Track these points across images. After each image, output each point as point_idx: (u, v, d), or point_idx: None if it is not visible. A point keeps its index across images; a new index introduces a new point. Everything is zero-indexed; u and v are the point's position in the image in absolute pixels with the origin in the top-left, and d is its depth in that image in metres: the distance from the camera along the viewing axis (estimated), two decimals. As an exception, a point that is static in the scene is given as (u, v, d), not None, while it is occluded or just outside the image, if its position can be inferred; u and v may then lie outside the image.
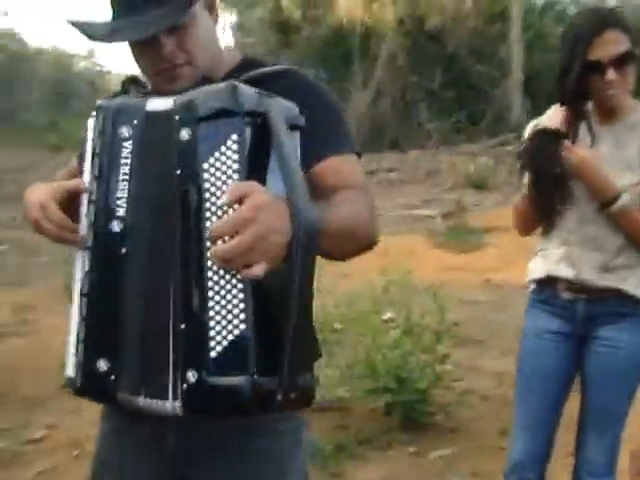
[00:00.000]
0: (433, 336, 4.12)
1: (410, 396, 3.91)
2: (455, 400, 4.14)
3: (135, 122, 1.48)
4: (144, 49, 1.57)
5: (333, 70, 20.96)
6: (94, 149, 1.50)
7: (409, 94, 20.15)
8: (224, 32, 21.44)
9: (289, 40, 21.01)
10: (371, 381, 4.02)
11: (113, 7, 1.59)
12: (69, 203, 1.52)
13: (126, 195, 1.48)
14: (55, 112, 24.45)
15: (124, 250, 1.47)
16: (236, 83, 1.39)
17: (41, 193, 1.54)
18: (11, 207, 10.97)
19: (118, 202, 1.48)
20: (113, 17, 1.58)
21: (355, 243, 1.52)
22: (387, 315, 4.84)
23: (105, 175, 1.49)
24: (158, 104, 1.48)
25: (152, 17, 1.52)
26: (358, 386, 4.13)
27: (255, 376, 1.31)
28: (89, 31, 1.60)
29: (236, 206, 1.27)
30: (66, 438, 3.87)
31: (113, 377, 1.47)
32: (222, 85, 1.40)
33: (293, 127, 1.43)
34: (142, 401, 1.44)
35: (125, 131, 1.49)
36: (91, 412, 2.76)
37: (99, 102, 1.53)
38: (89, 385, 1.50)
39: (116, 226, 1.48)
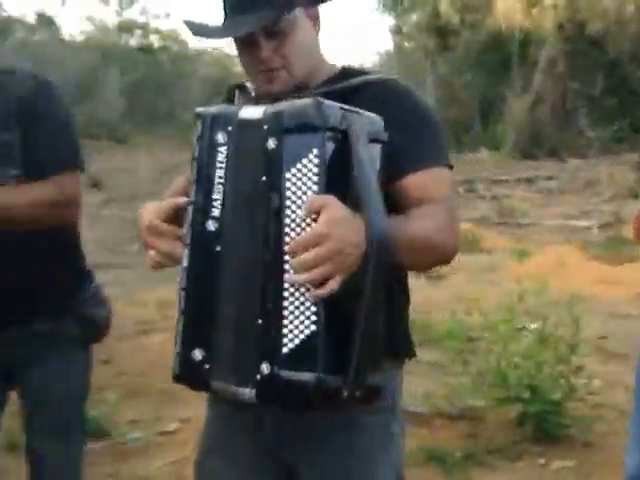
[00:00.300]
0: (568, 347, 4.00)
1: (543, 407, 3.81)
2: (590, 414, 4.01)
3: (229, 129, 1.56)
4: (246, 50, 1.64)
5: (491, 75, 20.80)
6: (193, 154, 1.59)
7: (569, 101, 19.71)
8: (382, 35, 21.65)
9: (447, 44, 20.96)
10: (502, 390, 3.94)
11: (225, 9, 1.67)
12: (176, 219, 1.60)
13: (221, 197, 1.57)
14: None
15: (218, 248, 1.56)
16: (321, 99, 1.46)
17: (148, 214, 1.62)
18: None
19: (214, 203, 1.57)
20: (224, 19, 1.66)
21: (426, 257, 1.58)
22: (523, 324, 4.74)
23: (203, 178, 1.58)
24: (250, 112, 1.55)
25: (250, 19, 1.60)
26: (489, 395, 4.06)
27: (322, 374, 1.41)
28: (195, 29, 1.69)
29: (314, 216, 1.36)
30: (198, 431, 3.98)
31: (207, 366, 1.55)
32: (309, 100, 1.47)
33: (374, 141, 1.50)
34: (230, 389, 1.52)
35: (220, 137, 1.57)
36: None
37: (198, 110, 1.61)
38: (186, 373, 1.59)
39: (211, 225, 1.57)
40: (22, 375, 2.26)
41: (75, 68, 17.28)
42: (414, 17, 21.81)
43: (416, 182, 1.59)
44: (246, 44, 1.63)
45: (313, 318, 1.41)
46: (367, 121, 1.51)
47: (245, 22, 1.61)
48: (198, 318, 1.59)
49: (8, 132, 2.09)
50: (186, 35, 31.70)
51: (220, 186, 1.57)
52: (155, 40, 26.27)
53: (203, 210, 1.58)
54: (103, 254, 7.99)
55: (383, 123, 1.53)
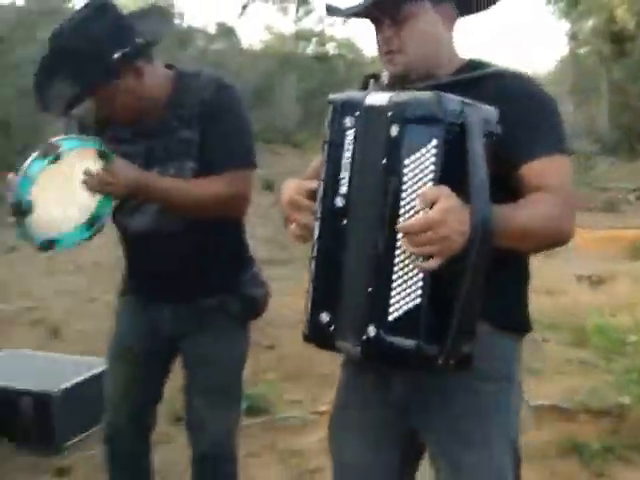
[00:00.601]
0: None
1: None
2: None
3: (357, 113, 1.75)
4: (376, 32, 1.88)
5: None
6: (325, 137, 1.80)
7: None
8: (557, 40, 21.20)
9: (623, 50, 20.28)
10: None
11: None
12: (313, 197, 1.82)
13: (348, 176, 1.76)
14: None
15: (345, 222, 1.76)
16: (442, 93, 1.61)
17: (289, 190, 1.87)
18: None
19: (342, 182, 1.77)
20: None
21: (537, 241, 1.74)
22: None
23: (332, 158, 1.78)
24: (375, 98, 1.74)
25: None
26: (635, 392, 4.10)
27: (421, 342, 1.61)
28: (329, 8, 1.93)
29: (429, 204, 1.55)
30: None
31: (332, 327, 1.77)
32: (431, 93, 1.62)
33: (488, 134, 1.64)
34: (348, 347, 1.74)
35: (348, 121, 1.76)
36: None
37: (330, 96, 1.81)
38: (314, 334, 1.82)
39: (339, 202, 1.77)
40: (187, 346, 2.55)
41: (253, 76, 17.88)
42: (589, 23, 21.24)
43: (537, 169, 1.74)
44: (376, 26, 1.87)
45: (418, 292, 1.60)
46: (483, 115, 1.64)
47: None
48: (325, 285, 1.79)
49: (190, 130, 2.36)
50: (361, 42, 32.03)
51: (347, 166, 1.76)
52: (331, 48, 26.74)
53: (332, 187, 1.77)
54: (275, 251, 8.36)
55: (498, 116, 1.66)
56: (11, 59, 12.44)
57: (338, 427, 2.06)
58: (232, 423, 2.64)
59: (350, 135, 1.76)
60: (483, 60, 1.94)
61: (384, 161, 1.64)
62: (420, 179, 1.59)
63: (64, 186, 2.19)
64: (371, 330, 1.65)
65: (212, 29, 21.41)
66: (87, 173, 2.17)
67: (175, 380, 2.69)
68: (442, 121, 1.59)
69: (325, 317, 1.79)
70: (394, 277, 1.63)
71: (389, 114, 1.65)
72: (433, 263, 1.56)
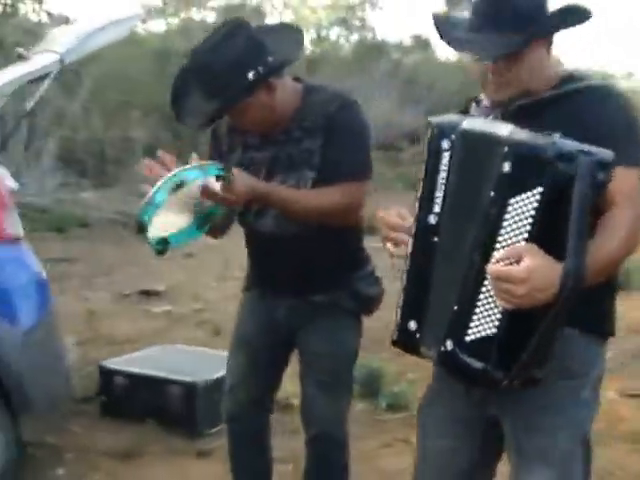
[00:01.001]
0: None
1: None
2: None
3: (453, 137, 1.86)
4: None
5: None
6: (423, 157, 1.92)
7: None
8: None
9: None
10: None
11: (473, 17, 1.93)
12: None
13: (442, 195, 1.87)
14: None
15: (436, 239, 1.88)
16: (560, 140, 1.67)
17: (387, 215, 2.00)
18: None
19: (436, 200, 1.87)
20: (471, 25, 1.94)
21: (617, 268, 1.88)
22: None
23: (429, 178, 1.89)
24: (473, 123, 1.85)
25: (495, 39, 1.87)
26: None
27: (489, 367, 1.75)
28: (444, 31, 1.98)
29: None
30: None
31: (418, 335, 1.92)
32: (550, 139, 1.68)
33: (599, 184, 1.66)
34: (431, 355, 1.88)
35: (445, 144, 1.87)
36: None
37: (429, 118, 1.93)
38: (402, 339, 1.97)
39: (432, 219, 1.88)
40: (301, 339, 2.74)
41: (445, 88, 17.87)
42: None
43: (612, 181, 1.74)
44: None
45: (496, 323, 1.72)
46: (597, 159, 1.66)
47: (491, 42, 1.88)
48: (414, 296, 1.92)
49: (312, 141, 2.52)
50: (561, 55, 31.26)
51: (442, 187, 1.86)
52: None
53: (427, 206, 1.89)
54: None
55: (612, 159, 1.68)
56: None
57: (424, 416, 2.21)
58: (342, 410, 2.81)
59: (446, 157, 1.86)
60: (577, 74, 2.00)
61: (492, 194, 1.72)
62: (520, 219, 1.67)
63: (185, 201, 2.37)
64: (449, 344, 1.80)
65: (408, 42, 21.50)
66: (206, 191, 2.31)
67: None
68: (554, 171, 1.64)
69: (413, 325, 1.92)
70: (478, 303, 1.75)
71: (505, 149, 1.72)
72: (509, 306, 1.66)
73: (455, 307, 1.79)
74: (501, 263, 1.64)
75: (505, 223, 1.68)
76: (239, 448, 2.93)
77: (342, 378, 2.79)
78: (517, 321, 1.69)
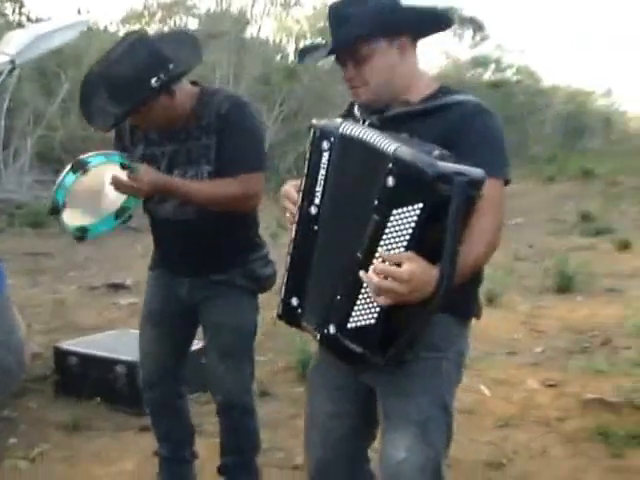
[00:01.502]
0: None
1: None
2: None
3: (332, 139, 2.13)
4: (343, 70, 2.24)
5: None
6: (306, 155, 2.21)
7: None
8: None
9: None
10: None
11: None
12: None
13: (321, 190, 2.15)
14: (563, 147, 25.08)
15: (316, 227, 2.18)
16: (436, 163, 1.86)
17: (288, 187, 2.30)
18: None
19: (316, 194, 2.16)
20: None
21: (478, 269, 2.20)
22: None
23: (310, 174, 2.18)
24: (351, 128, 2.10)
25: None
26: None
27: (367, 351, 2.03)
28: (300, 53, 2.38)
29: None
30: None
31: (299, 310, 2.23)
32: (431, 161, 1.87)
33: (471, 200, 1.89)
34: (311, 329, 2.20)
35: (325, 145, 2.14)
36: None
37: (313, 121, 2.21)
38: (285, 313, 2.28)
39: (313, 210, 2.17)
40: (203, 313, 3.09)
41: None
42: None
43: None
44: (342, 67, 2.23)
45: (375, 314, 2.01)
46: (469, 184, 1.86)
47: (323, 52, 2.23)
48: (297, 277, 2.23)
49: (208, 138, 2.86)
50: (541, 70, 31.90)
51: (322, 182, 2.14)
52: (509, 74, 26.73)
53: (308, 197, 2.17)
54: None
55: (485, 179, 1.89)
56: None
57: (310, 384, 2.54)
58: (244, 379, 3.16)
59: (325, 156, 2.14)
60: (452, 87, 2.27)
61: (376, 202, 1.94)
62: (401, 229, 1.90)
63: (95, 189, 2.76)
64: (332, 328, 2.10)
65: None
66: (115, 180, 2.71)
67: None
68: (432, 190, 1.85)
69: (295, 302, 2.24)
70: (360, 295, 2.03)
71: (390, 165, 1.91)
72: (384, 302, 1.94)
73: (338, 297, 2.06)
74: (385, 264, 1.91)
75: (387, 230, 1.92)
76: (157, 416, 3.31)
77: (242, 349, 3.14)
78: (393, 313, 1.97)
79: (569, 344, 5.98)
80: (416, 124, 2.15)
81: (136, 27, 16.00)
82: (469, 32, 25.16)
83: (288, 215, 2.27)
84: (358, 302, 2.02)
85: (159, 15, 16.58)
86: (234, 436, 3.23)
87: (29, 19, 11.91)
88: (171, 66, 2.74)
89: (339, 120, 2.20)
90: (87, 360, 4.58)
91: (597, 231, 11.50)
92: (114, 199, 2.82)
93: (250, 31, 17.26)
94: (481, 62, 25.61)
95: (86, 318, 6.43)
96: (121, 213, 2.85)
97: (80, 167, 2.65)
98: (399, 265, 1.88)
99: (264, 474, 3.54)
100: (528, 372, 5.30)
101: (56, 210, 2.65)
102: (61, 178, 2.63)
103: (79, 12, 13.30)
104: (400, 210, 1.89)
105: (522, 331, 6.45)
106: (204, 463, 3.53)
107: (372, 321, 2.00)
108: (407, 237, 1.89)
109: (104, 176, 2.72)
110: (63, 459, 3.87)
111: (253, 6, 17.27)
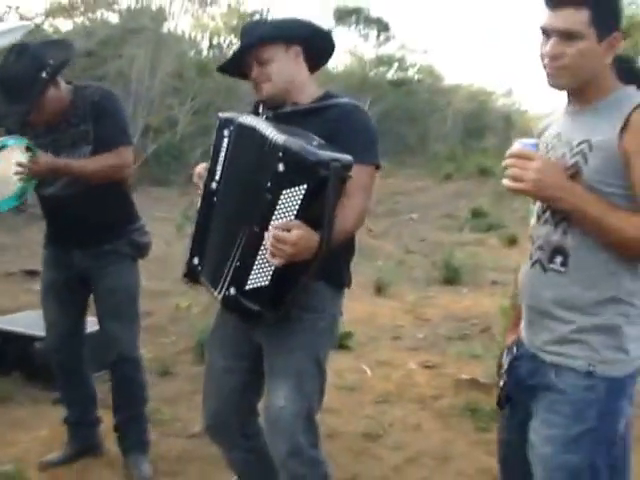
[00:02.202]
0: None
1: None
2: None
3: (231, 128, 2.63)
4: (248, 72, 2.72)
5: None
6: (213, 140, 2.69)
7: None
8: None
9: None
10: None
11: None
12: None
13: (221, 169, 2.64)
14: (463, 145, 25.77)
15: (215, 199, 2.66)
16: (317, 151, 2.34)
17: (199, 168, 2.77)
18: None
19: (217, 172, 2.65)
20: None
21: (347, 239, 2.65)
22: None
23: (214, 156, 2.67)
24: (248, 120, 2.61)
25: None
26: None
27: (263, 309, 2.49)
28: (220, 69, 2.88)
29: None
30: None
31: (200, 268, 2.69)
32: (309, 148, 2.35)
33: (342, 179, 2.39)
34: (210, 288, 2.64)
35: (226, 132, 2.65)
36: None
37: (219, 114, 2.72)
38: (188, 272, 2.75)
39: (214, 185, 2.67)
40: (94, 279, 3.56)
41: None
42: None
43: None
44: (248, 69, 2.71)
45: (269, 277, 2.45)
46: (342, 167, 2.36)
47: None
48: (198, 240, 2.71)
49: (85, 124, 3.39)
50: (442, 69, 32.74)
51: (221, 162, 2.64)
52: (411, 73, 27.42)
53: (211, 175, 2.67)
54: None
55: (352, 164, 2.39)
56: (98, 72, 13.61)
57: (209, 343, 3.00)
58: (132, 335, 3.65)
59: (225, 141, 2.64)
60: (335, 93, 2.79)
61: (269, 184, 2.42)
62: (291, 204, 2.38)
63: (2, 173, 3.22)
64: (232, 290, 2.52)
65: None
66: (19, 164, 3.21)
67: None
68: (314, 173, 2.34)
69: (196, 261, 2.72)
70: (256, 261, 2.46)
71: (280, 154, 2.38)
72: (278, 262, 2.39)
73: (237, 263, 2.50)
74: (278, 230, 2.35)
75: (278, 206, 2.38)
76: (63, 379, 3.77)
77: (127, 308, 3.63)
78: (284, 275, 2.42)
79: (450, 331, 6.52)
80: (303, 120, 2.64)
81: (59, 20, 16.10)
82: (374, 32, 25.73)
83: (199, 191, 2.74)
84: (254, 267, 2.46)
85: (81, 9, 16.60)
86: (126, 390, 3.68)
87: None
88: (51, 61, 3.28)
89: (239, 114, 2.70)
90: (6, 337, 4.92)
91: (487, 227, 12.22)
92: (16, 181, 3.28)
93: (167, 27, 17.46)
94: (385, 61, 26.21)
95: (2, 302, 6.62)
96: (23, 193, 3.31)
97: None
98: (289, 231, 2.34)
99: (163, 443, 3.95)
100: (409, 355, 5.82)
101: None
102: None
103: (8, 8, 13.32)
104: (289, 190, 2.37)
105: (407, 319, 6.98)
106: (108, 433, 3.90)
107: (266, 282, 2.45)
108: (295, 210, 2.37)
109: (9, 160, 3.19)
110: (-18, 427, 4.16)
111: (172, 3, 17.49)
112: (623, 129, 2.03)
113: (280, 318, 2.52)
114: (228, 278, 2.53)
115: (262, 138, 2.47)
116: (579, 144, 2.12)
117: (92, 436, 3.85)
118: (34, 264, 8.10)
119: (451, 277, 8.39)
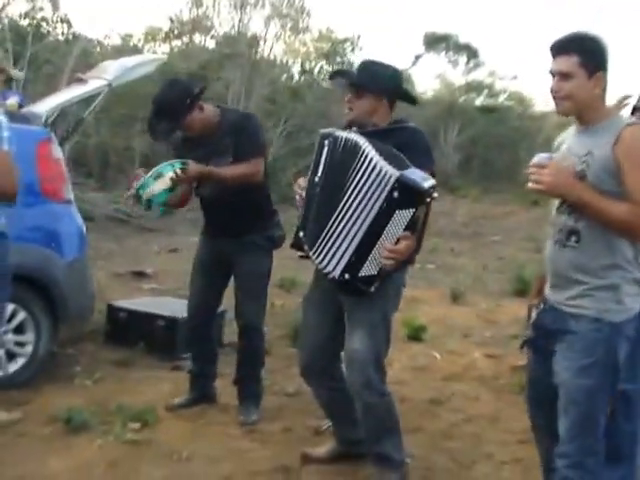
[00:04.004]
0: None
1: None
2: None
3: (330, 139, 3.59)
4: (345, 94, 3.72)
5: None
6: (315, 150, 3.65)
7: None
8: None
9: None
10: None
11: None
12: None
13: (322, 168, 3.59)
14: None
15: (317, 190, 3.61)
16: (423, 183, 3.33)
17: (299, 182, 3.76)
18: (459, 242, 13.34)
19: (319, 171, 3.61)
20: None
21: None
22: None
23: (315, 160, 3.63)
24: (343, 134, 3.56)
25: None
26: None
27: (370, 288, 3.48)
28: (334, 73, 4.13)
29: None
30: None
31: (304, 239, 3.63)
32: (418, 179, 3.32)
33: (430, 201, 3.38)
34: (309, 252, 3.61)
35: (326, 142, 3.61)
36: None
37: (320, 130, 3.69)
38: (295, 242, 3.70)
39: (317, 179, 3.62)
40: (235, 263, 4.54)
41: (420, 121, 19.50)
42: None
43: None
44: (348, 91, 3.68)
45: (377, 268, 3.41)
46: (434, 190, 3.35)
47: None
48: (304, 220, 3.65)
49: (229, 139, 4.38)
50: (532, 95, 32.80)
51: (322, 164, 3.58)
52: (501, 100, 27.82)
53: (314, 172, 3.62)
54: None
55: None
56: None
57: (305, 298, 3.94)
58: (260, 310, 4.62)
59: (325, 150, 3.60)
60: (404, 118, 3.74)
61: (384, 205, 3.36)
62: (400, 220, 3.35)
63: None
64: (347, 276, 3.48)
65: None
66: (175, 172, 4.23)
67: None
68: (422, 202, 3.32)
69: (302, 234, 3.65)
70: (370, 255, 3.43)
71: (396, 184, 3.32)
72: (390, 265, 3.38)
73: (353, 258, 3.43)
74: (391, 244, 3.33)
75: (391, 221, 3.34)
76: (193, 339, 4.80)
77: (260, 289, 4.61)
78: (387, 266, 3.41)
79: (515, 331, 7.28)
80: (384, 138, 3.55)
81: (158, 43, 17.49)
82: (463, 58, 26.27)
83: (297, 197, 3.71)
84: (369, 258, 3.41)
85: (175, 32, 17.95)
86: (250, 352, 4.65)
87: (74, 36, 13.54)
88: (195, 90, 4.34)
89: (335, 129, 3.68)
90: (134, 315, 6.02)
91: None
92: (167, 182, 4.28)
93: (261, 52, 18.60)
94: (474, 87, 26.76)
95: (116, 297, 7.67)
96: (173, 190, 4.28)
97: (157, 176, 4.21)
98: (398, 241, 3.32)
99: (265, 400, 4.89)
100: (475, 348, 6.71)
101: (139, 200, 4.26)
102: (144, 181, 4.20)
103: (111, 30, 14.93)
104: (400, 212, 3.34)
105: (478, 321, 7.87)
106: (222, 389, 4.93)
107: (375, 272, 3.43)
108: (404, 225, 3.33)
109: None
110: (115, 382, 5.23)
111: (267, 31, 18.64)
112: (615, 143, 2.86)
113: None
114: (342, 264, 3.47)
115: (364, 156, 3.43)
116: (584, 155, 2.94)
117: (210, 387, 4.87)
118: (139, 267, 9.37)
119: (521, 289, 9.11)
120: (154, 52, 16.90)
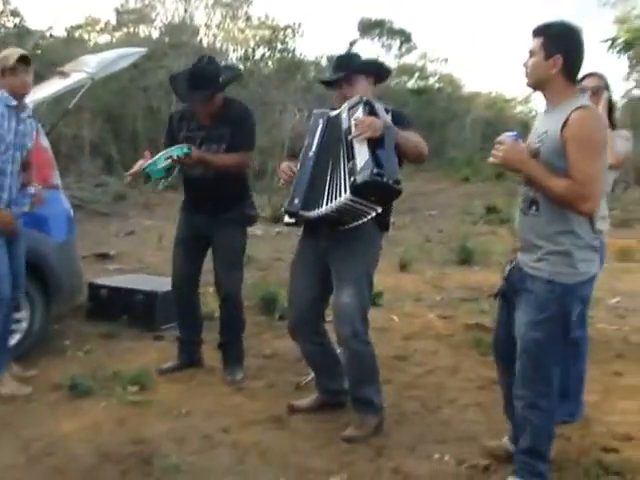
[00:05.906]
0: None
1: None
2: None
3: (325, 118, 4.08)
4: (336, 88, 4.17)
5: None
6: (309, 127, 4.13)
7: None
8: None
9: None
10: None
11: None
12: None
13: (316, 143, 4.05)
14: (481, 151, 26.88)
15: (311, 163, 4.03)
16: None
17: (284, 163, 4.23)
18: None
19: (313, 145, 4.07)
20: None
21: None
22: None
23: (311, 136, 4.09)
24: (333, 113, 4.05)
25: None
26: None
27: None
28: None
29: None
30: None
31: (299, 205, 4.00)
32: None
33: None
34: (305, 215, 4.02)
35: (320, 121, 4.09)
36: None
37: (314, 110, 4.19)
38: (290, 208, 4.05)
39: (311, 152, 4.07)
40: (213, 238, 4.96)
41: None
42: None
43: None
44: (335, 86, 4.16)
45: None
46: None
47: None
48: (297, 186, 4.02)
49: (226, 127, 4.79)
50: (462, 77, 33.59)
51: (317, 139, 4.03)
52: (432, 82, 28.57)
53: (308, 146, 4.06)
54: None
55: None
56: (141, 83, 15.03)
57: (292, 263, 4.35)
58: (238, 281, 5.06)
59: (319, 127, 4.07)
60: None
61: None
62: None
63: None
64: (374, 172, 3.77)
65: (323, 62, 23.60)
66: (178, 156, 4.60)
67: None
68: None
69: (296, 201, 4.01)
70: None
71: (344, 115, 3.94)
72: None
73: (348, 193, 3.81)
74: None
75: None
76: (181, 307, 5.20)
77: (235, 261, 5.04)
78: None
79: (463, 295, 7.96)
80: None
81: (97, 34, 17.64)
82: (397, 43, 26.90)
83: (285, 177, 4.13)
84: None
85: (113, 24, 18.14)
86: (231, 318, 5.09)
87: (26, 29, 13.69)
88: (228, 74, 4.81)
89: (327, 110, 4.17)
90: (115, 291, 6.41)
91: (500, 221, 13.52)
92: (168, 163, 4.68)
93: (207, 41, 18.93)
94: (406, 71, 27.40)
95: (86, 278, 8.00)
96: (171, 169, 4.68)
97: (168, 157, 4.59)
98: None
99: (245, 362, 5.31)
100: (429, 310, 7.28)
101: (148, 179, 4.68)
102: (154, 160, 4.57)
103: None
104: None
105: (427, 287, 8.44)
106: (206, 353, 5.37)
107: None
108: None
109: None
110: (105, 352, 5.63)
111: (211, 20, 18.99)
112: (564, 125, 3.16)
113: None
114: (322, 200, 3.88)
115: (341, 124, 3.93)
116: (542, 134, 3.26)
117: (196, 352, 5.30)
118: (101, 249, 9.66)
119: (465, 258, 9.74)
120: (95, 43, 17.08)
